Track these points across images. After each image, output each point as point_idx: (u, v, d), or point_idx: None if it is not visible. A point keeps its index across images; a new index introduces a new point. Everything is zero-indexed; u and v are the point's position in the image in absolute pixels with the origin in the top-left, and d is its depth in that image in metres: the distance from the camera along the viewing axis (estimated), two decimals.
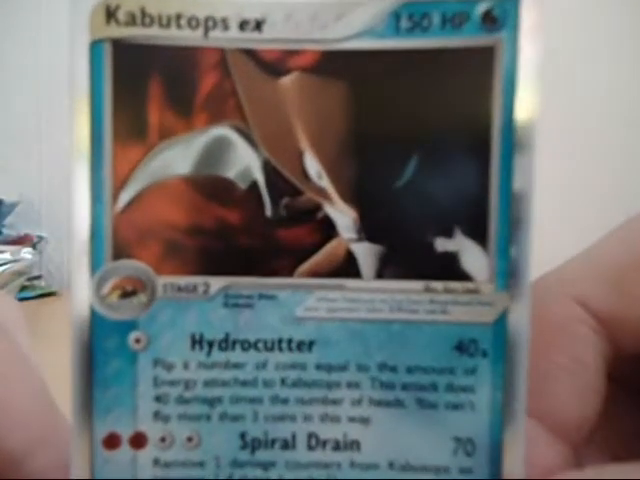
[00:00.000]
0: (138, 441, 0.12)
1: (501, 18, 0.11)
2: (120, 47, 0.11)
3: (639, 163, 0.81)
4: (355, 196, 0.12)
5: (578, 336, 0.13)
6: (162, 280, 0.12)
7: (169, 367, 0.12)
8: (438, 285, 0.12)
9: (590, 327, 0.13)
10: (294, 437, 0.12)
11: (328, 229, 0.12)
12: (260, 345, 0.12)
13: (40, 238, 0.88)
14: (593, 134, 0.83)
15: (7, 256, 0.78)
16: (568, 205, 0.80)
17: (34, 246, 0.85)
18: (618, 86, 0.82)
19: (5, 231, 0.88)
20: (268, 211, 0.12)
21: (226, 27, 0.11)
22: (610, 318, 0.13)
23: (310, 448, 0.12)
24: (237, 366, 0.12)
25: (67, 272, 0.89)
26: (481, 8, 0.11)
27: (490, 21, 0.11)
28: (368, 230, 0.12)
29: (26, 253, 0.81)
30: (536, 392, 0.12)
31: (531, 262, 0.11)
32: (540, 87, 0.11)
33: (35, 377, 0.13)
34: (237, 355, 0.12)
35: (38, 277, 0.85)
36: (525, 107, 0.11)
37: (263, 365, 0.12)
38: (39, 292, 0.84)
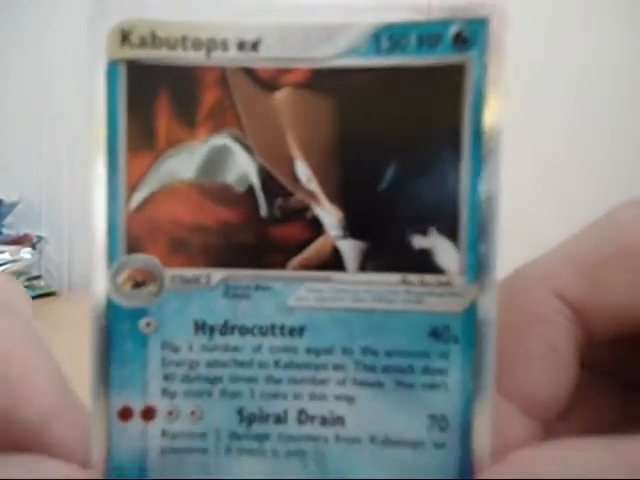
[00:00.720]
0: (148, 414, 0.13)
1: (471, 39, 0.12)
2: (133, 66, 0.13)
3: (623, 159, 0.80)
4: (341, 198, 0.13)
5: (553, 324, 0.14)
6: (169, 272, 0.13)
7: (175, 349, 0.13)
8: (414, 278, 0.13)
9: (565, 316, 0.14)
10: (286, 413, 0.13)
11: (317, 227, 0.13)
12: (256, 330, 0.13)
13: (39, 238, 0.87)
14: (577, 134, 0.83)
15: (7, 256, 0.78)
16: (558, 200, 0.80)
17: (33, 246, 0.84)
18: (605, 84, 0.82)
19: (5, 231, 0.87)
20: (263, 211, 0.13)
21: (226, 48, 0.13)
22: (584, 309, 0.14)
23: (300, 423, 0.13)
24: (236, 349, 0.13)
25: (67, 272, 0.89)
26: (453, 30, 0.12)
27: (461, 41, 0.12)
28: (352, 228, 0.13)
29: (25, 253, 0.81)
30: (511, 375, 0.13)
31: (498, 257, 0.13)
32: (506, 100, 0.12)
33: (46, 351, 0.14)
34: (236, 339, 0.13)
35: (37, 277, 0.84)
36: (492, 118, 0.12)
37: (258, 348, 0.13)
38: (38, 292, 0.83)
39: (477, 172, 0.13)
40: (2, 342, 0.13)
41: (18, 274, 0.77)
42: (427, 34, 0.13)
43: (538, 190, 0.80)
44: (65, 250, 0.89)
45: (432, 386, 0.13)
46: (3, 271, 0.73)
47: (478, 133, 0.13)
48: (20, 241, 0.84)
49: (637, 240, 0.14)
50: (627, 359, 0.16)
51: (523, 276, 0.14)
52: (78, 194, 0.87)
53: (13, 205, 0.88)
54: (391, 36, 0.13)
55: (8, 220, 0.87)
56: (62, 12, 0.85)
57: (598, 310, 0.14)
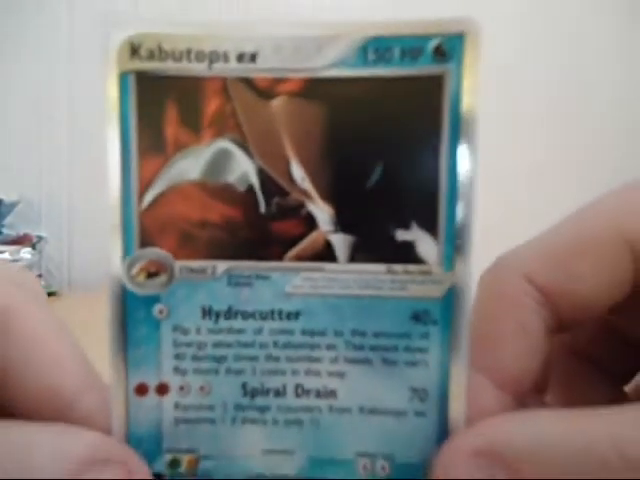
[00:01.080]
0: (162, 389, 0.15)
1: (449, 52, 0.14)
2: (142, 77, 0.14)
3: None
4: (332, 196, 0.14)
5: (522, 306, 0.15)
6: (179, 264, 0.15)
7: (185, 332, 0.15)
8: (398, 267, 0.14)
9: (534, 299, 0.15)
10: (284, 387, 0.15)
11: (310, 223, 0.15)
12: (257, 315, 0.15)
13: (40, 238, 0.86)
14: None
15: (7, 256, 0.76)
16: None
17: (34, 246, 0.83)
18: (586, 83, 0.82)
19: (5, 231, 0.86)
20: (262, 208, 0.15)
21: (226, 59, 0.14)
22: (552, 293, 0.15)
23: (297, 396, 0.15)
24: (239, 331, 0.15)
25: (67, 272, 0.89)
26: (433, 43, 0.14)
27: (440, 54, 0.14)
28: (342, 223, 0.15)
29: (26, 253, 0.78)
30: (484, 351, 0.15)
31: (472, 249, 0.14)
32: (479, 107, 0.14)
33: (70, 334, 0.15)
34: (239, 323, 0.15)
35: (38, 277, 0.82)
36: (468, 124, 0.14)
37: (259, 331, 0.15)
38: None
39: (454, 172, 0.14)
40: (36, 327, 0.14)
41: None
42: (409, 47, 0.14)
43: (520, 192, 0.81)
44: (65, 250, 0.89)
45: (414, 363, 0.15)
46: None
47: (456, 137, 0.14)
48: (20, 241, 0.81)
49: (600, 231, 0.15)
50: (619, 352, 0.18)
51: (500, 263, 0.16)
52: (78, 194, 0.88)
53: (13, 205, 0.85)
54: (377, 49, 0.14)
55: (8, 220, 0.85)
56: (63, 14, 0.85)
57: (566, 295, 0.15)
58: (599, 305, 0.15)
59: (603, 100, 0.80)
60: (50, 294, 0.81)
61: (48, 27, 0.86)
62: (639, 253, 0.15)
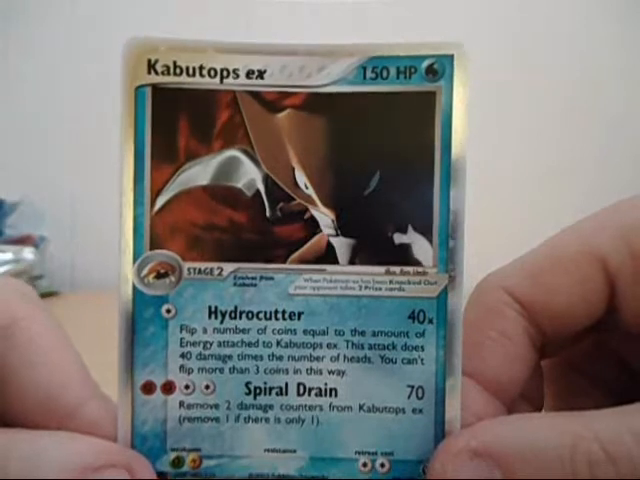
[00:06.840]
0: (168, 388, 0.15)
1: (440, 71, 0.15)
2: (157, 91, 0.15)
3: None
4: (333, 202, 0.15)
5: (505, 316, 0.16)
6: (187, 265, 0.15)
7: (192, 331, 0.15)
8: (396, 269, 0.15)
9: (515, 310, 0.16)
10: (287, 386, 0.15)
11: (313, 227, 0.16)
12: (261, 315, 0.15)
13: (42, 238, 0.85)
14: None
15: (9, 256, 0.74)
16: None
17: (36, 246, 0.81)
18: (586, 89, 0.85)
19: (7, 231, 0.84)
20: (267, 213, 0.16)
21: (237, 75, 0.15)
22: (531, 304, 0.16)
23: (299, 394, 0.15)
24: (243, 331, 0.15)
25: (69, 272, 0.88)
26: (426, 63, 0.15)
27: (432, 73, 0.15)
28: (343, 228, 0.15)
29: (28, 253, 0.77)
30: (473, 358, 0.16)
31: (465, 252, 0.15)
32: (468, 119, 0.15)
33: (71, 343, 0.15)
34: (243, 323, 0.15)
35: (40, 277, 0.80)
36: (458, 135, 0.15)
37: (263, 330, 0.15)
38: (41, 292, 0.79)
39: (447, 179, 0.15)
40: (40, 337, 0.15)
41: (20, 274, 0.74)
42: (404, 66, 0.15)
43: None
44: (68, 250, 0.87)
45: (411, 361, 0.15)
46: (5, 272, 0.71)
47: (447, 146, 0.15)
48: (22, 241, 0.81)
49: (574, 249, 0.16)
50: (615, 369, 0.18)
51: (484, 279, 0.17)
52: (81, 194, 0.87)
53: (15, 205, 0.85)
54: (374, 68, 0.15)
55: (10, 220, 0.84)
56: (64, 12, 0.87)
57: (542, 306, 0.16)
58: (575, 319, 0.16)
59: (614, 101, 0.82)
60: (52, 294, 0.79)
61: (52, 29, 0.87)
62: (611, 271, 0.16)
